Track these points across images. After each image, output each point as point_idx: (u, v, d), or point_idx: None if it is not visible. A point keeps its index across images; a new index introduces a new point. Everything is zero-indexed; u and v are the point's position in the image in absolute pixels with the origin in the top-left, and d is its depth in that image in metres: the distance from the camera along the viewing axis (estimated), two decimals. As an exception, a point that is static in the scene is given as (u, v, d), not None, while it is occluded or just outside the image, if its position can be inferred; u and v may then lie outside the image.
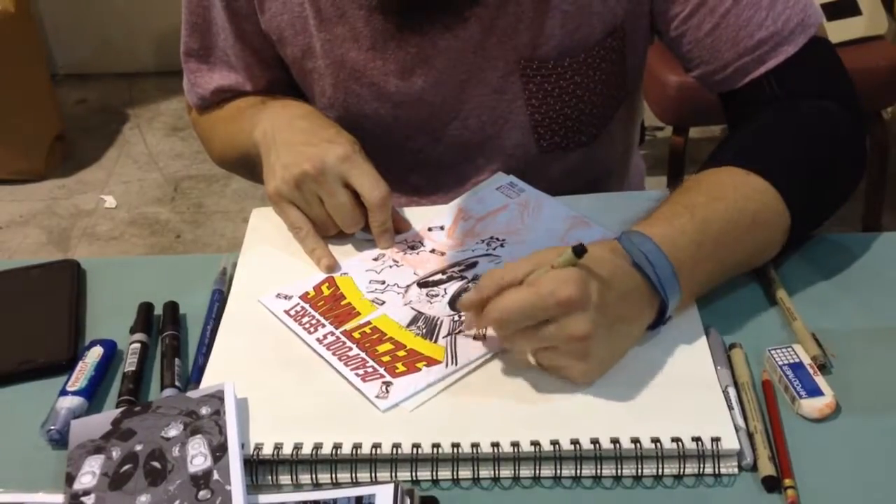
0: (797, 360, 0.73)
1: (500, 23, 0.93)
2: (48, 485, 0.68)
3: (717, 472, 0.66)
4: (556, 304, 0.67)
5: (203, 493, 0.63)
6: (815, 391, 0.70)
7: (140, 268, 1.01)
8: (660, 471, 0.66)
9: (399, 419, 0.70)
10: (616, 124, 1.06)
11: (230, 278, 0.88)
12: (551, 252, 0.71)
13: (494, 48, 0.95)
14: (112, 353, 0.82)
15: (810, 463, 0.67)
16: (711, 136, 2.54)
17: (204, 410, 0.69)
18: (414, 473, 0.67)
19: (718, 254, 0.78)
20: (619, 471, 0.66)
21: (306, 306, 0.83)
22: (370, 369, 0.74)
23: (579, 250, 0.68)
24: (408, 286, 0.84)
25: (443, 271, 0.86)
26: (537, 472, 0.67)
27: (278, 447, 0.68)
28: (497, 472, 0.67)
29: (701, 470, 0.66)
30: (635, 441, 0.66)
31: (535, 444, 0.66)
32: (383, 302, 0.82)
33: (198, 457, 0.66)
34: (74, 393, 0.76)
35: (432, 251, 0.89)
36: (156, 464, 0.66)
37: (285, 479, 0.68)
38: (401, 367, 0.74)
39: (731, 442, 0.66)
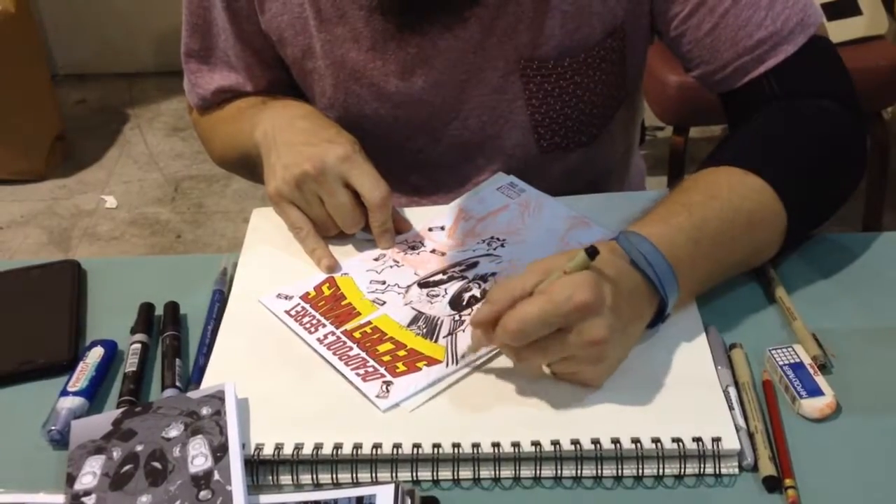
0: (797, 360, 0.73)
1: (499, 23, 0.93)
2: (49, 485, 0.69)
3: (717, 472, 0.66)
4: (573, 309, 0.66)
5: (204, 494, 0.63)
6: (815, 391, 0.71)
7: (141, 268, 1.01)
8: (660, 471, 0.66)
9: (399, 419, 0.70)
10: (616, 124, 1.06)
11: (231, 278, 0.88)
12: (559, 258, 0.71)
13: (494, 48, 0.95)
14: (113, 354, 0.82)
15: (811, 463, 0.67)
16: (712, 135, 2.54)
17: (205, 411, 0.69)
18: (414, 473, 0.67)
19: (716, 252, 0.78)
20: (619, 471, 0.66)
21: (307, 306, 0.83)
22: (371, 369, 0.75)
23: (592, 252, 0.67)
24: (408, 286, 0.84)
25: (443, 271, 0.86)
26: (538, 472, 0.67)
27: (279, 447, 0.68)
28: (498, 472, 0.67)
29: (702, 470, 0.66)
30: (636, 441, 0.66)
31: (536, 444, 0.66)
32: (384, 302, 0.82)
33: (198, 457, 0.66)
34: (75, 393, 0.76)
35: (433, 251, 0.89)
36: (156, 464, 0.66)
37: (286, 479, 0.68)
38: (401, 367, 0.74)
39: (731, 442, 0.66)
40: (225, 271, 0.89)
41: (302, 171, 0.87)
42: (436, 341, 0.77)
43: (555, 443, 0.66)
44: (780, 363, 0.73)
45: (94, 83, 3.28)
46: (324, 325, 0.80)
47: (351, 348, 0.77)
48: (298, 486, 0.68)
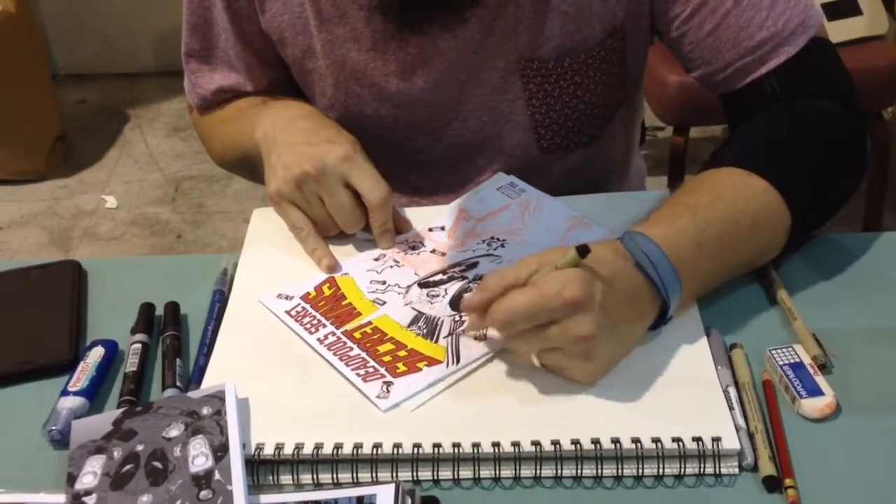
0: (798, 360, 0.73)
1: (499, 23, 0.93)
2: (49, 485, 0.69)
3: (717, 472, 0.66)
4: (561, 304, 0.67)
5: (204, 494, 0.63)
6: (815, 391, 0.71)
7: (141, 268, 1.01)
8: (660, 471, 0.66)
9: (400, 419, 0.70)
10: (617, 125, 1.06)
11: (231, 279, 0.88)
12: (554, 252, 0.71)
13: (494, 48, 0.95)
14: (113, 354, 0.82)
15: (811, 463, 0.67)
16: (712, 136, 2.55)
17: (205, 410, 0.69)
18: (415, 473, 0.67)
19: (719, 254, 0.78)
20: (619, 471, 0.66)
21: (307, 306, 0.83)
22: (371, 369, 0.75)
23: (583, 250, 0.68)
24: (408, 286, 0.84)
25: (443, 271, 0.86)
26: (538, 471, 0.67)
27: (279, 447, 0.68)
28: (498, 471, 0.67)
29: (701, 470, 0.66)
30: (636, 441, 0.66)
31: (536, 443, 0.66)
32: (384, 302, 0.82)
33: (199, 457, 0.66)
34: (76, 393, 0.76)
35: (433, 251, 0.89)
36: (157, 464, 0.66)
37: (286, 479, 0.68)
38: (402, 367, 0.74)
39: (731, 442, 0.66)
40: (225, 271, 0.89)
41: (302, 171, 0.87)
42: (436, 341, 0.77)
43: (555, 442, 0.66)
44: (781, 363, 0.73)
45: (95, 83, 3.28)
46: (324, 326, 0.80)
47: (351, 348, 0.77)
48: (299, 486, 0.68)
